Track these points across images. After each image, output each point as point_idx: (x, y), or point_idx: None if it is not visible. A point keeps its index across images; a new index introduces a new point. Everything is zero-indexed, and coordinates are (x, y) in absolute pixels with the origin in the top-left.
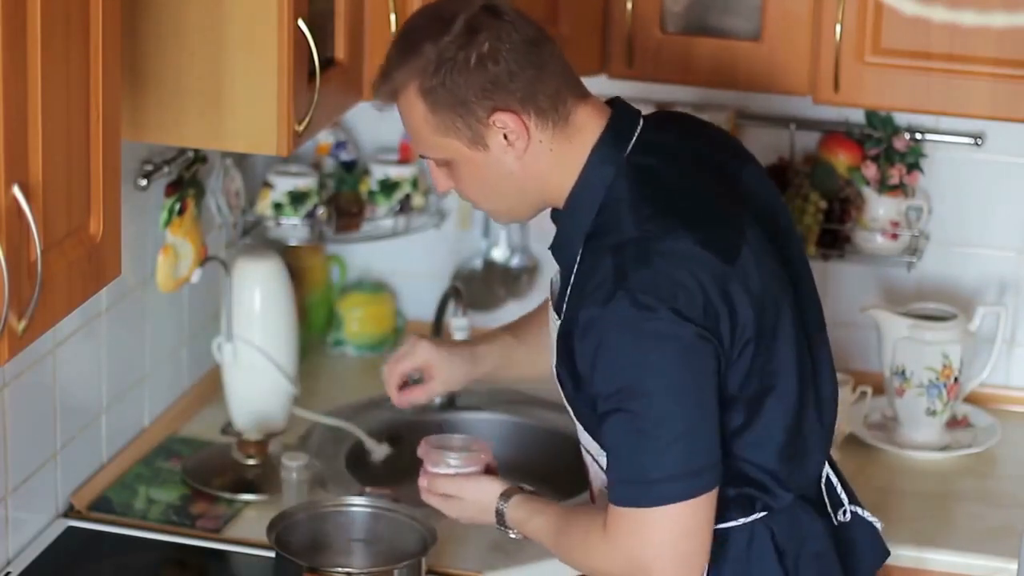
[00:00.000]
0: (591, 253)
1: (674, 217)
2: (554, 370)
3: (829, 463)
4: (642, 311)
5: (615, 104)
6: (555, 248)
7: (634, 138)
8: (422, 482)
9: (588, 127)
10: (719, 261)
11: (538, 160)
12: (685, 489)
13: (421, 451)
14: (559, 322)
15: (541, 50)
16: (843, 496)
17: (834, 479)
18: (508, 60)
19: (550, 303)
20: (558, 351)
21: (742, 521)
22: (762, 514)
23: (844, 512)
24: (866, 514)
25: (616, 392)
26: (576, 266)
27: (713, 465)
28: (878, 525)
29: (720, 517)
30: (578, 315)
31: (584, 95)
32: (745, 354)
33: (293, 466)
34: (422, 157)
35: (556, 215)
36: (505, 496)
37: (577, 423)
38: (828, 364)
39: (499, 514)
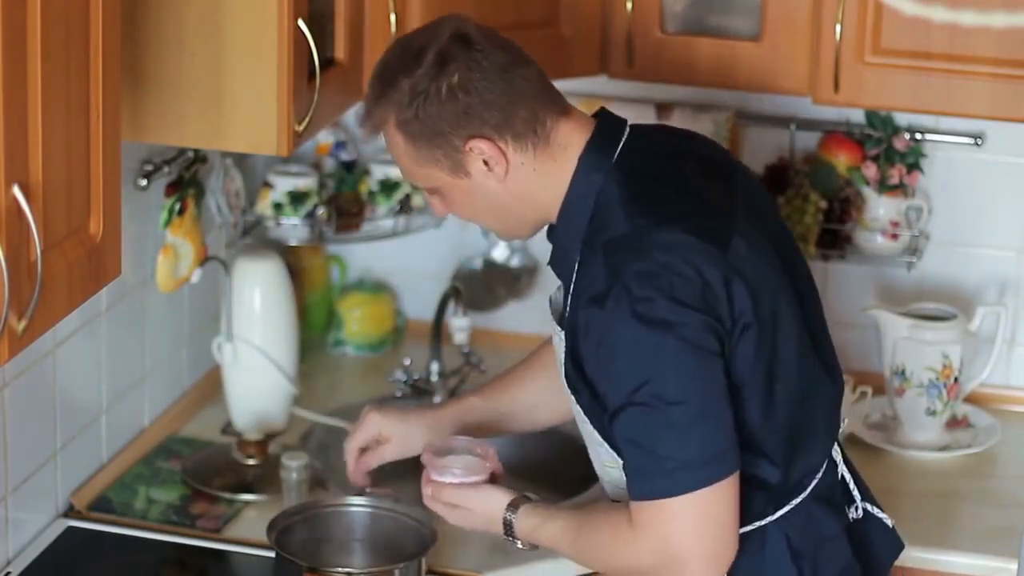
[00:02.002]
0: (587, 256)
1: (664, 209)
2: (564, 384)
3: (844, 460)
4: (639, 303)
5: (600, 115)
6: (553, 261)
7: (621, 143)
8: (426, 490)
9: (572, 142)
10: (712, 248)
11: (522, 181)
12: (707, 475)
13: (424, 458)
14: (564, 334)
15: (513, 75)
16: (856, 493)
17: (848, 476)
18: (479, 89)
19: (553, 321)
20: (568, 362)
21: (755, 525)
22: (775, 516)
23: (856, 509)
24: (876, 511)
25: (625, 387)
26: (575, 273)
27: (731, 448)
28: (889, 522)
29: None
30: (578, 317)
31: (565, 111)
32: (746, 340)
33: (293, 466)
34: (414, 187)
35: (551, 231)
36: (512, 507)
37: (595, 436)
38: (832, 355)
39: (507, 524)
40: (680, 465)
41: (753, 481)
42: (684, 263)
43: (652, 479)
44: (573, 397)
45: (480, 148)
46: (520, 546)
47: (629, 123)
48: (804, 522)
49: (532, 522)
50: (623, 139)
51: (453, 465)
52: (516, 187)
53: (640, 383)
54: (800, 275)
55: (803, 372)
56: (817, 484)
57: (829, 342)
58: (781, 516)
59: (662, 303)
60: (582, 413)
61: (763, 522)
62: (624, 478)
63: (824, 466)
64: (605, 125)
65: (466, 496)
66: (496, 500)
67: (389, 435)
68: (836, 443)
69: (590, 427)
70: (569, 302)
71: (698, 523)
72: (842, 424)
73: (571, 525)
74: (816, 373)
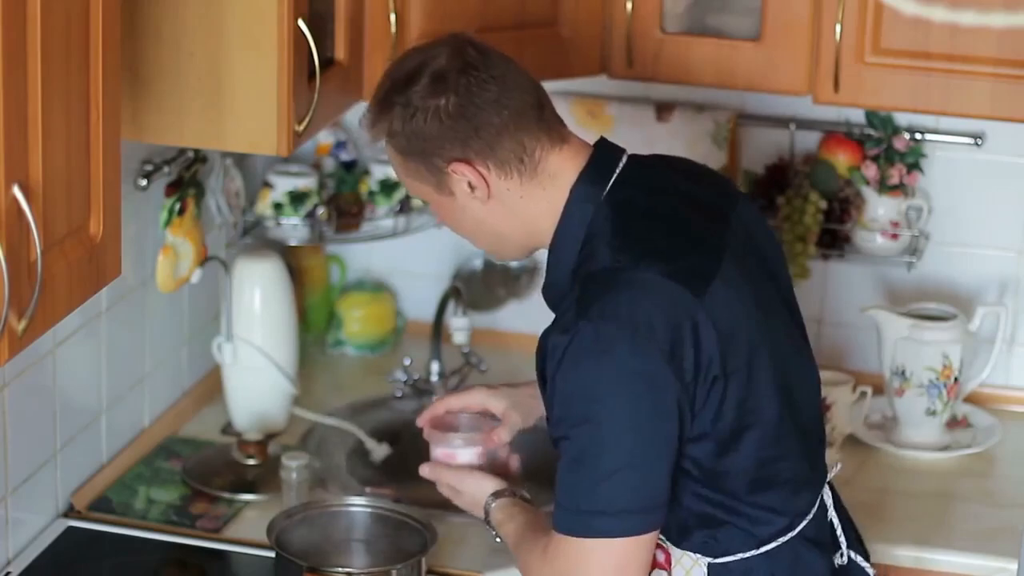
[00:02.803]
0: (572, 288)
1: (646, 247)
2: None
3: (837, 505)
4: (600, 342)
5: (598, 144)
6: (545, 290)
7: (615, 175)
8: (423, 469)
9: (564, 172)
10: (687, 293)
11: (507, 207)
12: (621, 526)
13: (426, 432)
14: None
15: (504, 107)
16: (842, 540)
17: (836, 521)
18: (467, 116)
19: None
20: (539, 382)
21: (739, 556)
22: (760, 551)
23: (841, 555)
24: (860, 560)
25: (566, 419)
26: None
27: (655, 507)
28: (871, 572)
29: (716, 551)
30: (547, 341)
31: (561, 140)
32: (715, 390)
33: (293, 466)
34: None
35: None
36: (495, 495)
37: None
38: (815, 400)
39: (486, 512)
40: (600, 510)
41: (728, 524)
42: (654, 306)
43: (570, 515)
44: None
45: (461, 171)
46: (498, 540)
47: (628, 154)
48: (790, 562)
49: (500, 517)
50: (618, 170)
51: (453, 439)
52: (499, 212)
53: (582, 420)
54: (791, 319)
55: (783, 419)
56: (807, 526)
57: (814, 389)
58: (767, 552)
59: (623, 346)
60: None
61: (747, 555)
62: None
63: (815, 510)
64: (601, 156)
65: (461, 479)
66: (485, 487)
67: (498, 410)
68: (829, 487)
69: None
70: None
71: (603, 569)
72: (835, 469)
73: (518, 532)
74: (798, 419)
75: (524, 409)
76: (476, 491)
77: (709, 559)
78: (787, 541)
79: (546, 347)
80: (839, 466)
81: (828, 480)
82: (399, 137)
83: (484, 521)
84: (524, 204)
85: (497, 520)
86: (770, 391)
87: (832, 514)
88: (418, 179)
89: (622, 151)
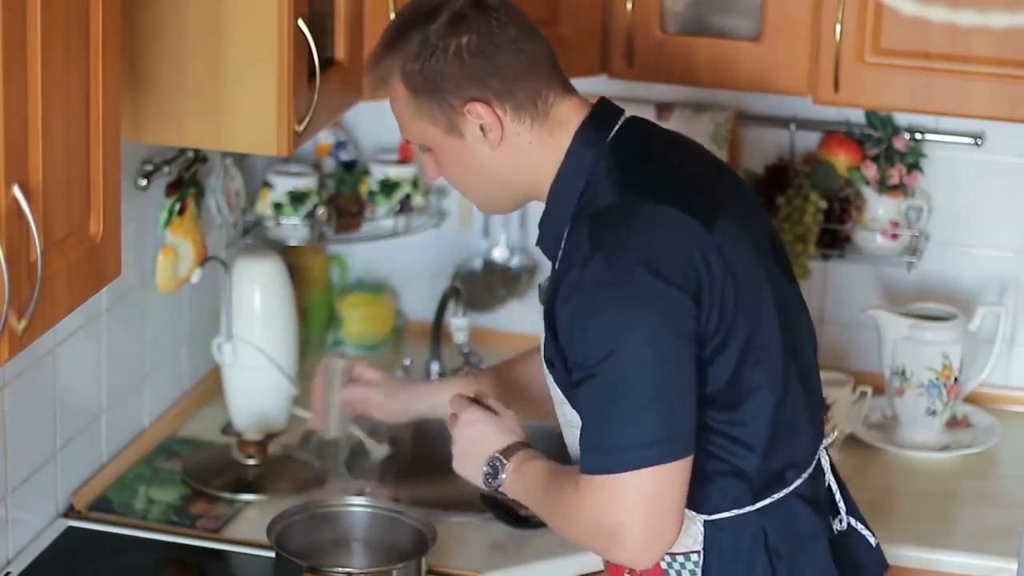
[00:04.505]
0: (575, 230)
1: (654, 183)
2: (542, 355)
3: (832, 471)
4: (617, 272)
5: (600, 100)
6: (541, 240)
7: (617, 126)
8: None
9: (570, 120)
10: (699, 225)
11: (516, 153)
12: (655, 455)
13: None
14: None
15: (522, 48)
16: (841, 505)
17: (834, 486)
18: (487, 55)
19: (542, 305)
20: (547, 332)
21: (733, 512)
22: (754, 507)
23: (841, 521)
24: (861, 527)
25: (592, 357)
26: (561, 249)
27: (687, 434)
28: (873, 541)
29: (709, 507)
30: (559, 283)
31: (569, 91)
32: (723, 325)
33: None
34: (408, 142)
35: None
36: (505, 452)
37: (575, 418)
38: (813, 353)
39: (494, 467)
40: (630, 443)
41: (728, 466)
42: (667, 236)
43: (600, 453)
44: (550, 374)
45: (477, 112)
46: (495, 483)
47: (628, 113)
48: (784, 519)
49: (518, 459)
50: (619, 122)
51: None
52: (507, 157)
53: (605, 355)
54: (787, 279)
55: (787, 363)
56: (802, 484)
57: (811, 342)
58: (760, 509)
59: (641, 275)
60: (559, 392)
61: (741, 511)
62: None
63: (811, 469)
64: (603, 108)
65: (486, 420)
66: (500, 439)
67: (380, 383)
68: (825, 452)
69: (568, 408)
70: (555, 272)
71: (639, 501)
72: (831, 437)
73: (537, 482)
74: (800, 366)
75: (396, 394)
76: (487, 440)
77: (704, 516)
78: (781, 498)
79: (558, 287)
80: (836, 434)
81: (825, 446)
82: (415, 75)
83: (488, 476)
84: (531, 150)
85: (509, 475)
86: (775, 333)
87: (830, 478)
88: (426, 120)
89: (622, 109)
